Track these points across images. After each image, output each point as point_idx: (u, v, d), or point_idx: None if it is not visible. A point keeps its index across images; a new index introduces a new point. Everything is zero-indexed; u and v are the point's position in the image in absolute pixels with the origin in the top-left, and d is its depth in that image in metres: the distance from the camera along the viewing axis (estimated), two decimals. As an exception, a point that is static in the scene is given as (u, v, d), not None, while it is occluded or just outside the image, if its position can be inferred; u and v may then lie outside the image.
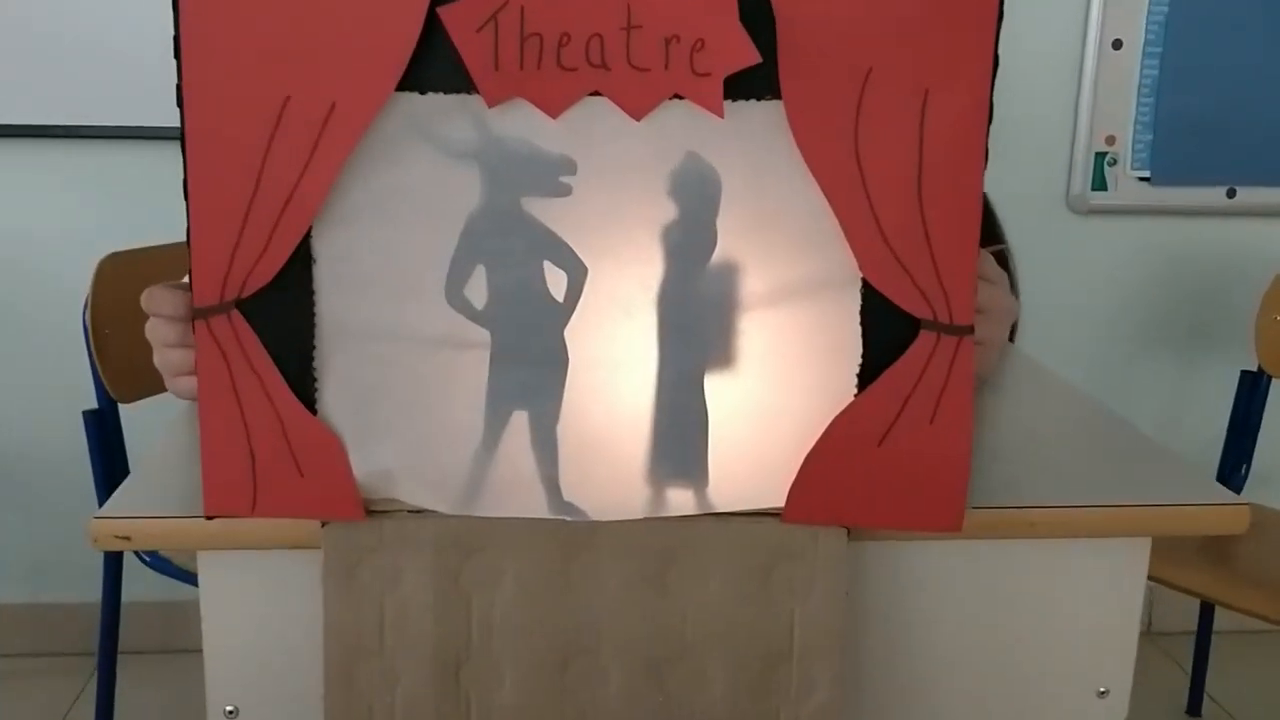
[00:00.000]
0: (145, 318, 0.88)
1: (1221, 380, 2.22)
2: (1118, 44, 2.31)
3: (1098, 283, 2.46)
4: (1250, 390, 2.13)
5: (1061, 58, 2.34)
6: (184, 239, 0.79)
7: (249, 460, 0.82)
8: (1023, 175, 2.36)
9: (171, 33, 0.76)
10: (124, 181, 2.21)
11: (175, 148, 0.78)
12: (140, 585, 2.00)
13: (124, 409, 1.79)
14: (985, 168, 0.80)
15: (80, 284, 1.72)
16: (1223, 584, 1.82)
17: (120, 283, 1.72)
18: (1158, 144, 2.35)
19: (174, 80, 0.77)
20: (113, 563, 1.85)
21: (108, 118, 2.14)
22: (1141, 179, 2.37)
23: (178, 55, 0.76)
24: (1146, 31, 2.30)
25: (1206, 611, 2.23)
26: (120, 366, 1.74)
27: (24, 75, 2.11)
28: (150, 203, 2.11)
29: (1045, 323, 1.86)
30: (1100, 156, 2.36)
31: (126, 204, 2.20)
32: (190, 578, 1.60)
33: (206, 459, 0.82)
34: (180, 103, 0.77)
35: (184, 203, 0.78)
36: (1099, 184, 2.38)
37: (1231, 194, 2.39)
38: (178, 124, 0.77)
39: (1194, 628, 2.27)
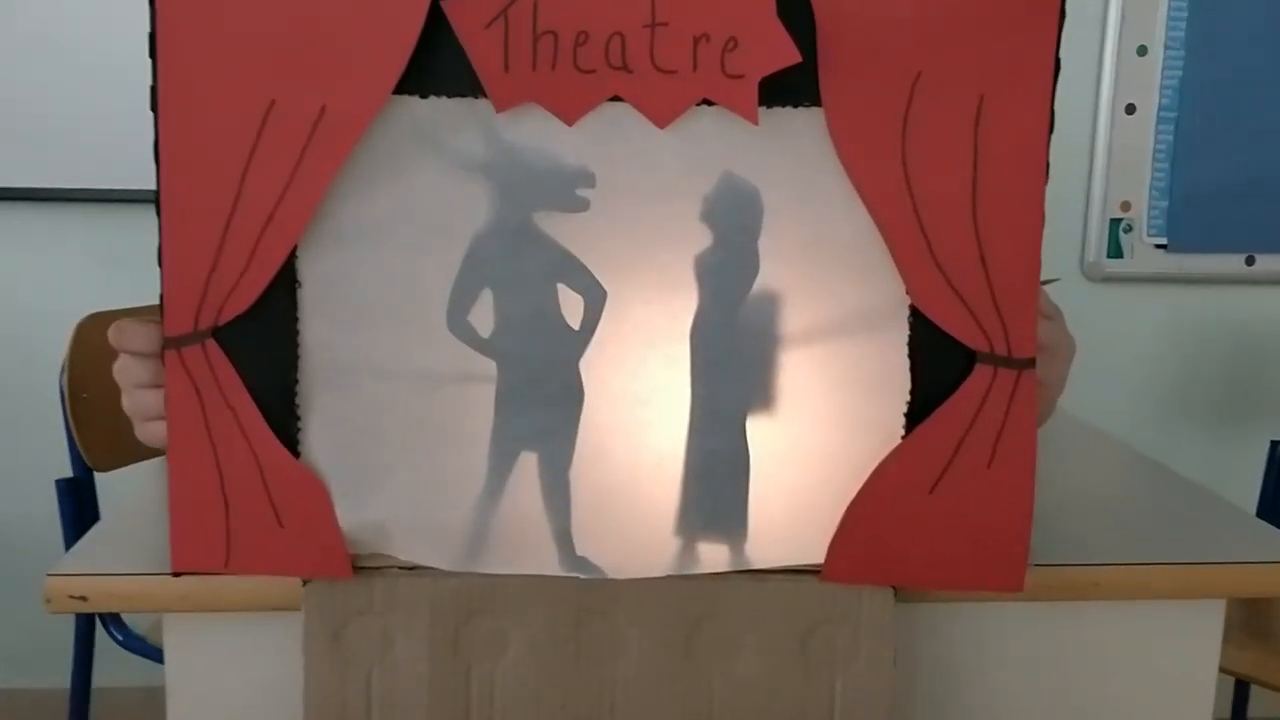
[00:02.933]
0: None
1: (1247, 451, 2.15)
2: (1131, 109, 2.27)
3: (1114, 352, 2.40)
4: (1282, 461, 2.04)
5: (1074, 122, 2.30)
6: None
7: (222, 509, 0.75)
8: (1036, 241, 2.30)
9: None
10: (103, 245, 2.18)
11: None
12: (118, 669, 1.91)
13: (101, 479, 1.71)
14: (1046, 183, 0.72)
15: (57, 348, 1.64)
16: (1266, 663, 1.71)
17: (99, 345, 1.63)
18: (1174, 211, 2.30)
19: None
20: (83, 641, 1.75)
21: (87, 181, 2.13)
22: (1158, 246, 2.32)
23: (153, 54, 0.69)
24: (1161, 96, 2.26)
25: (1240, 694, 2.13)
26: (98, 433, 1.66)
27: (2, 139, 2.10)
28: (130, 267, 2.06)
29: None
30: (1115, 223, 2.31)
31: (106, 268, 2.16)
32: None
33: (175, 508, 0.75)
34: (154, 106, 0.70)
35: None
36: (1115, 251, 2.33)
37: (1250, 261, 2.34)
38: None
39: (1225, 714, 2.16)
